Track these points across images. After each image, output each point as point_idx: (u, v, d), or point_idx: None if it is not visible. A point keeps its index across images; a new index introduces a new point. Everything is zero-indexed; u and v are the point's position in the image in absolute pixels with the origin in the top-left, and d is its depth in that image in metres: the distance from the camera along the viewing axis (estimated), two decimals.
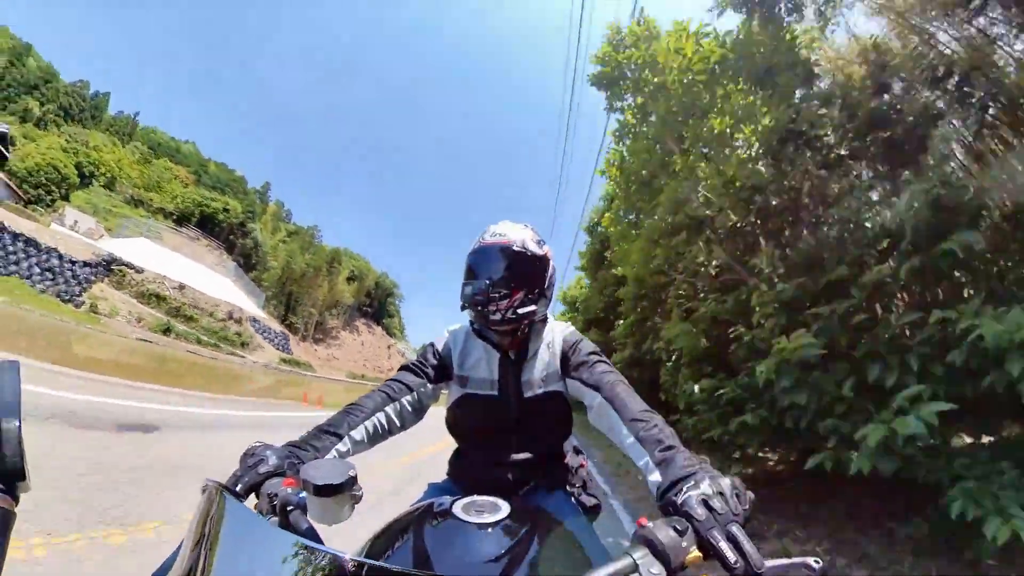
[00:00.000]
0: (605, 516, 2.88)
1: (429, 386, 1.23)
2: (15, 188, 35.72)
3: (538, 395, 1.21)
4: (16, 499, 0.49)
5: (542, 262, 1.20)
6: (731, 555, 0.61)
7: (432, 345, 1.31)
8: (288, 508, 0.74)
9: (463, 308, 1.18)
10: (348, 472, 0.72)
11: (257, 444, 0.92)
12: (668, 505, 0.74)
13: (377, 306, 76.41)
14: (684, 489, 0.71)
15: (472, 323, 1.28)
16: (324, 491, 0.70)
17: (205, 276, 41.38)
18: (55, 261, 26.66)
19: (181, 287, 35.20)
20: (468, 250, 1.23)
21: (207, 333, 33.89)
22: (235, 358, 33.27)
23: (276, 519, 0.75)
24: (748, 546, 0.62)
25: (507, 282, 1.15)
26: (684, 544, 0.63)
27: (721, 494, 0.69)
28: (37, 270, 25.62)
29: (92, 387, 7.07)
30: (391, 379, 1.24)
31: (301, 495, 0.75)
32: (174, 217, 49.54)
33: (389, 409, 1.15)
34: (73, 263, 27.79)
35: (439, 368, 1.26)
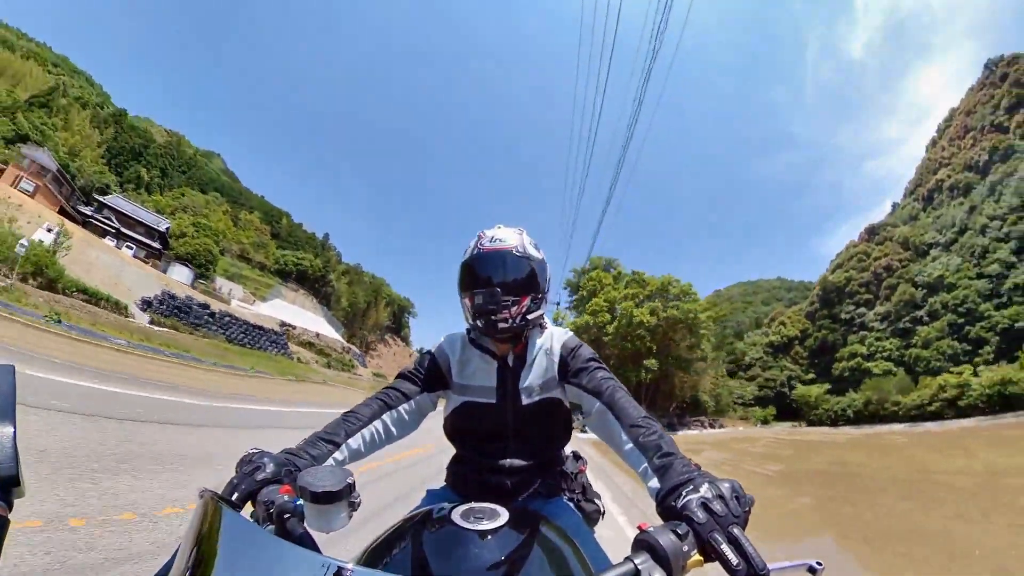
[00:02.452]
0: None
1: (426, 394, 1.23)
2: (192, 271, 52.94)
3: (536, 401, 1.20)
4: (10, 505, 0.47)
5: (541, 266, 1.20)
6: (733, 557, 0.61)
7: (429, 354, 1.29)
8: (285, 516, 0.74)
9: (473, 318, 1.16)
10: (346, 479, 0.72)
11: (253, 451, 0.90)
12: (668, 510, 0.74)
13: (397, 322, 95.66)
14: (684, 494, 0.71)
15: (469, 331, 1.26)
16: (322, 498, 0.69)
17: (310, 319, 60.43)
18: (275, 336, 45.90)
19: (317, 335, 54.65)
20: (463, 257, 1.19)
21: (338, 363, 53.86)
22: (359, 376, 53.59)
23: (273, 527, 0.74)
24: (750, 548, 0.61)
25: (515, 288, 1.13)
26: (685, 548, 0.62)
27: (721, 497, 0.68)
28: (268, 344, 44.86)
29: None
30: (388, 387, 1.23)
31: (298, 503, 0.74)
32: (271, 270, 66.76)
33: (386, 417, 1.15)
34: (277, 334, 46.97)
35: (436, 376, 1.25)
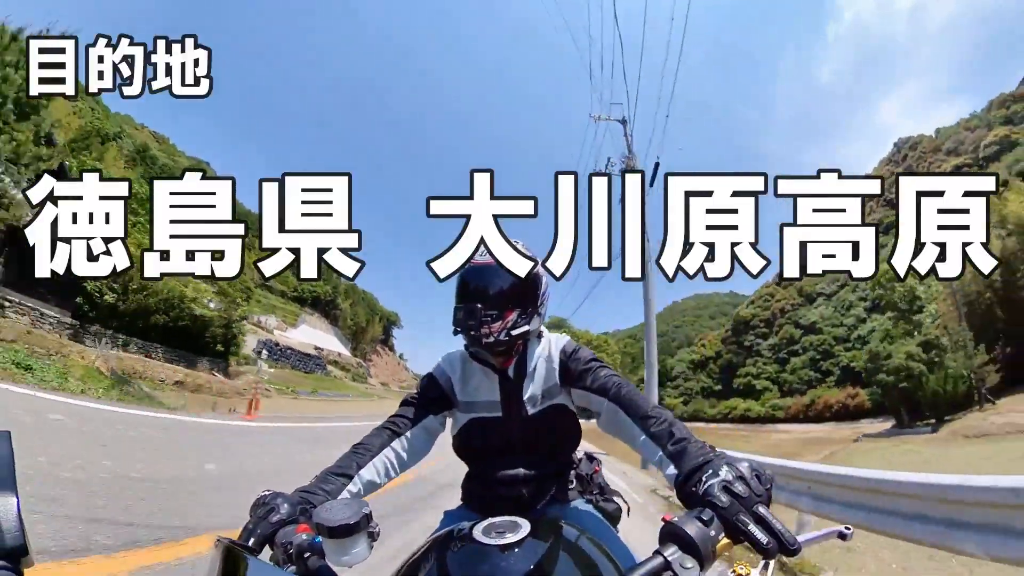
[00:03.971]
0: None
1: (432, 417, 1.24)
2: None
3: (541, 410, 1.21)
4: (21, 575, 0.48)
5: (534, 280, 1.19)
6: (763, 537, 0.60)
7: (430, 375, 1.31)
8: (305, 555, 0.74)
9: (455, 332, 1.16)
10: (362, 510, 0.72)
11: (266, 492, 0.90)
12: (689, 496, 0.74)
13: (385, 334, 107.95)
14: (703, 479, 0.71)
15: (467, 347, 1.25)
16: (339, 532, 0.69)
17: (329, 340, 73.00)
18: (319, 361, 58.79)
19: (339, 355, 67.60)
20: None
21: (357, 377, 67.28)
22: (373, 387, 67.32)
23: (294, 567, 0.74)
24: (778, 525, 0.61)
25: (499, 303, 1.13)
26: (712, 533, 0.62)
27: (741, 478, 0.68)
28: (314, 367, 57.77)
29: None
30: (394, 415, 1.24)
31: (317, 540, 0.74)
32: (287, 296, 77.52)
33: (396, 445, 1.16)
34: (317, 358, 59.83)
35: (439, 397, 1.27)
